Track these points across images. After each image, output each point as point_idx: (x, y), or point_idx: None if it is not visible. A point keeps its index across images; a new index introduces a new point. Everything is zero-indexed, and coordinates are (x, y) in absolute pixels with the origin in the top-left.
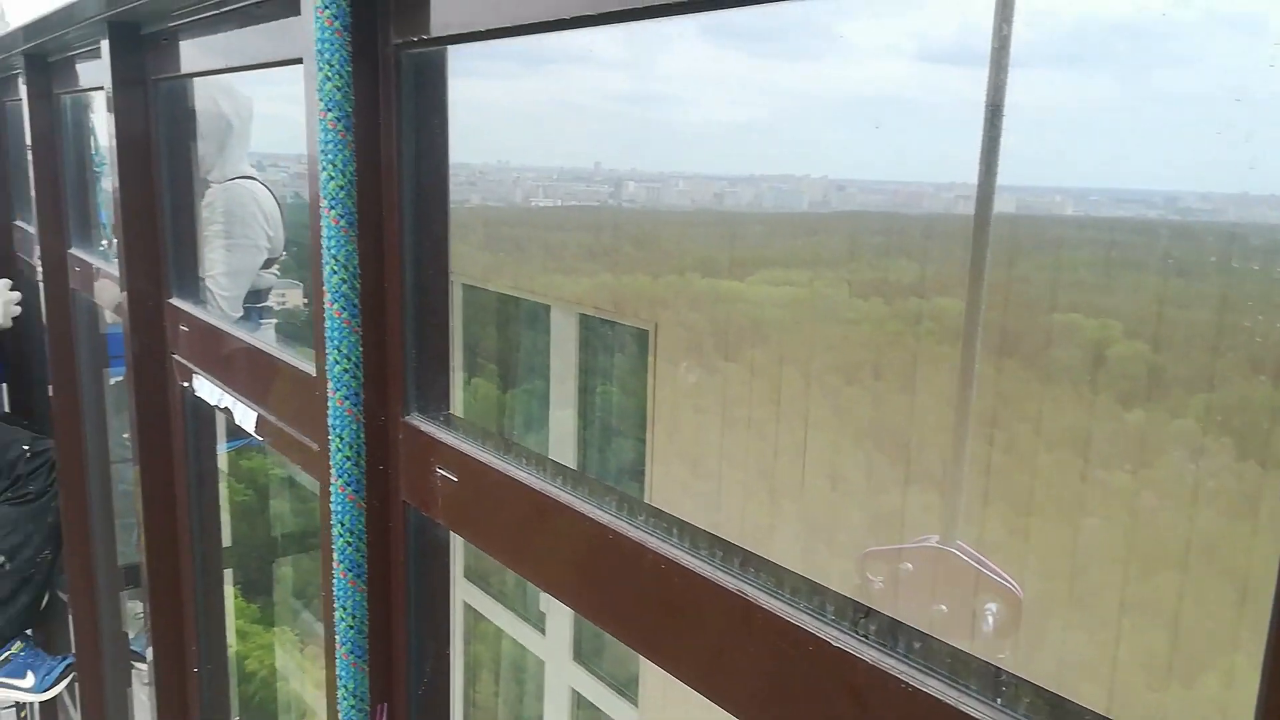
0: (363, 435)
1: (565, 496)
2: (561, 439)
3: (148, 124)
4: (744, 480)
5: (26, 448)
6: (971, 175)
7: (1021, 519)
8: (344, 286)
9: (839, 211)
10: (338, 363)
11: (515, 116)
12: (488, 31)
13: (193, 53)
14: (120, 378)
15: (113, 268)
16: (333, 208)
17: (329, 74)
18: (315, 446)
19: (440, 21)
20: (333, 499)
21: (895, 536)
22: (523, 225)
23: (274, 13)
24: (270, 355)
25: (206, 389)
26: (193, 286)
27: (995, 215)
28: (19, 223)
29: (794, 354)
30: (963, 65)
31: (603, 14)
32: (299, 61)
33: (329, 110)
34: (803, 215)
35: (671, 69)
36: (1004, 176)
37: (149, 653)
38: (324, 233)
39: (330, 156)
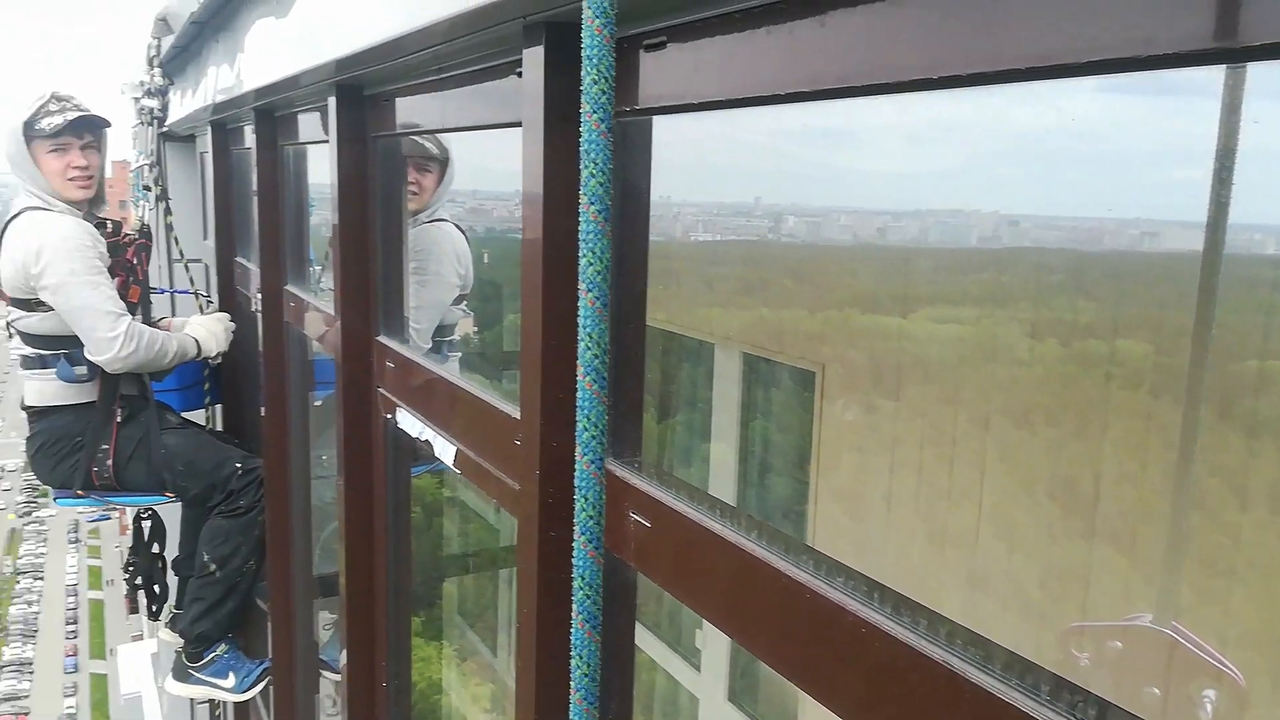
0: (593, 485)
1: (760, 551)
2: (719, 474)
3: (365, 175)
4: (908, 525)
5: (239, 465)
6: (1155, 211)
7: (1239, 595)
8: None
9: (1012, 248)
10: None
11: (678, 151)
12: (699, 104)
13: (411, 112)
14: (320, 401)
15: (322, 303)
16: (590, 290)
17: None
18: (516, 486)
19: (653, 94)
20: (575, 555)
21: (1075, 595)
22: (681, 259)
23: (493, 78)
24: (473, 395)
25: (409, 422)
26: (399, 326)
27: (1184, 252)
28: (239, 259)
29: (963, 396)
30: (1144, 96)
31: (819, 90)
32: (516, 125)
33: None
34: (973, 251)
35: (838, 104)
36: (1194, 213)
37: (342, 661)
38: (581, 313)
39: (590, 244)
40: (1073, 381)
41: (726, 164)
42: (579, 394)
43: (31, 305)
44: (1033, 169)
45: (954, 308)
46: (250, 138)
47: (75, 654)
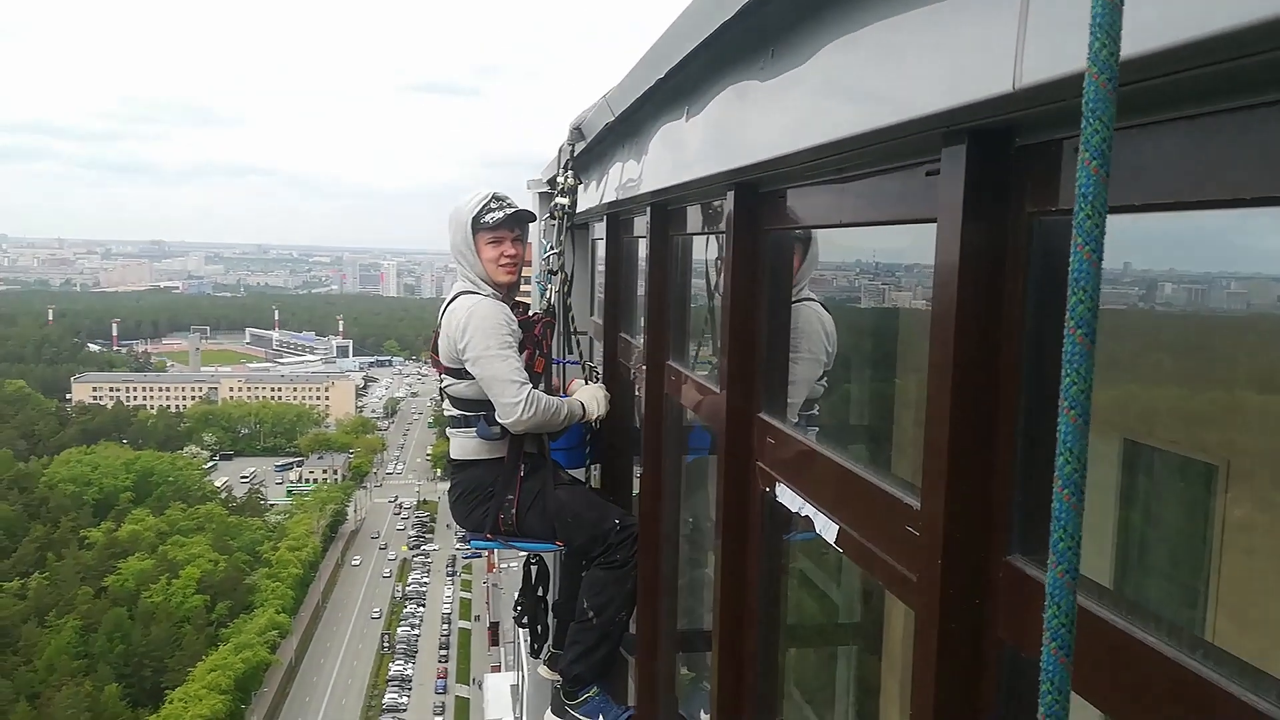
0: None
1: (1222, 680)
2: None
3: (755, 264)
4: None
5: (618, 521)
6: None
7: None
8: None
9: None
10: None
11: None
12: (1129, 206)
13: (807, 207)
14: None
15: (702, 377)
16: (1073, 407)
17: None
18: (912, 577)
19: (1074, 193)
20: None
21: None
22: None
23: (899, 175)
24: (863, 478)
25: (789, 497)
26: (780, 404)
27: None
28: (623, 334)
29: None
30: None
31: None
32: (924, 221)
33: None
34: None
35: None
36: None
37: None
38: (1062, 429)
39: (1075, 364)
40: None
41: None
42: (1055, 505)
43: (459, 374)
44: None
45: None
46: (639, 227)
47: (445, 676)
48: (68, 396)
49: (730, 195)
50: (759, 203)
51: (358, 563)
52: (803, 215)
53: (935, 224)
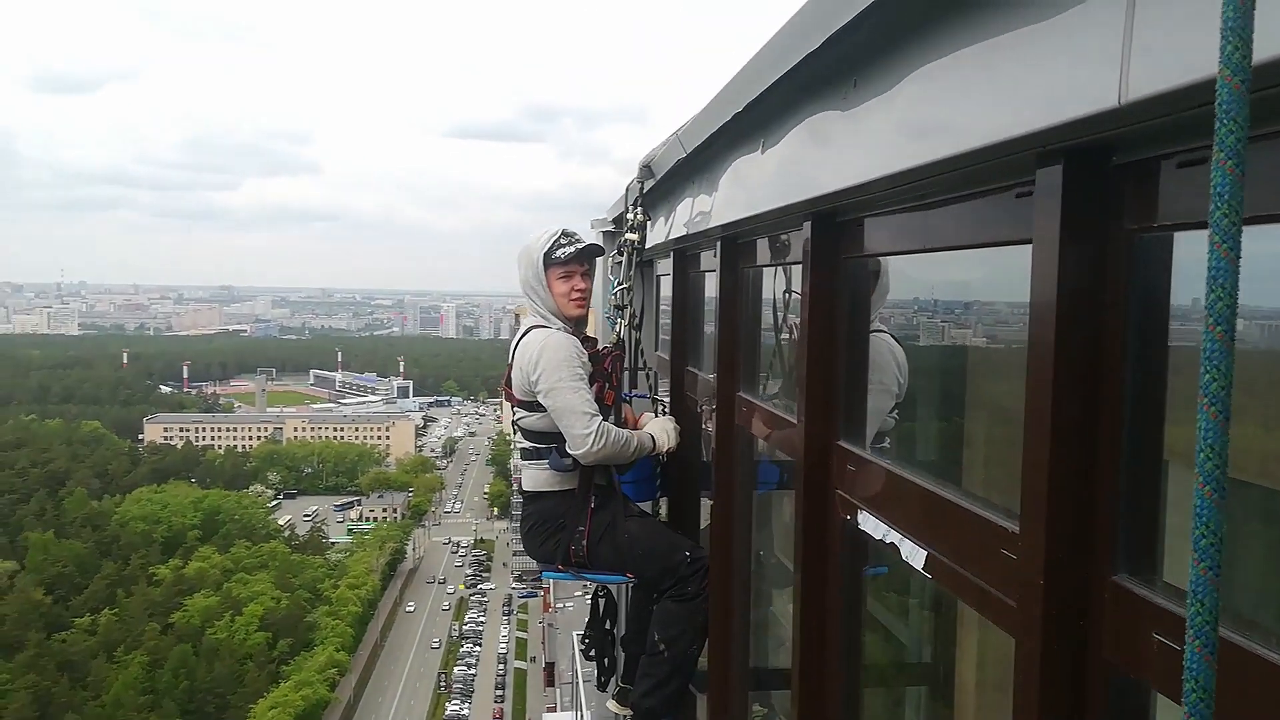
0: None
1: None
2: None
3: (834, 294)
4: None
5: (688, 554)
6: None
7: None
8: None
9: None
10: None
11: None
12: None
13: (887, 234)
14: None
15: (773, 407)
16: (1213, 404)
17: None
18: (1011, 603)
19: (1174, 209)
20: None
21: None
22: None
23: (988, 198)
24: (956, 503)
25: (872, 524)
26: (859, 432)
27: None
28: (690, 368)
29: None
30: None
31: None
32: (1016, 243)
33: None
34: None
35: None
36: None
37: None
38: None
39: (1215, 359)
40: None
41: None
42: (1197, 503)
43: (531, 406)
44: None
45: None
46: (707, 262)
47: (501, 716)
48: (140, 437)
49: (807, 225)
50: (836, 232)
51: (411, 609)
52: (882, 243)
53: (1028, 246)
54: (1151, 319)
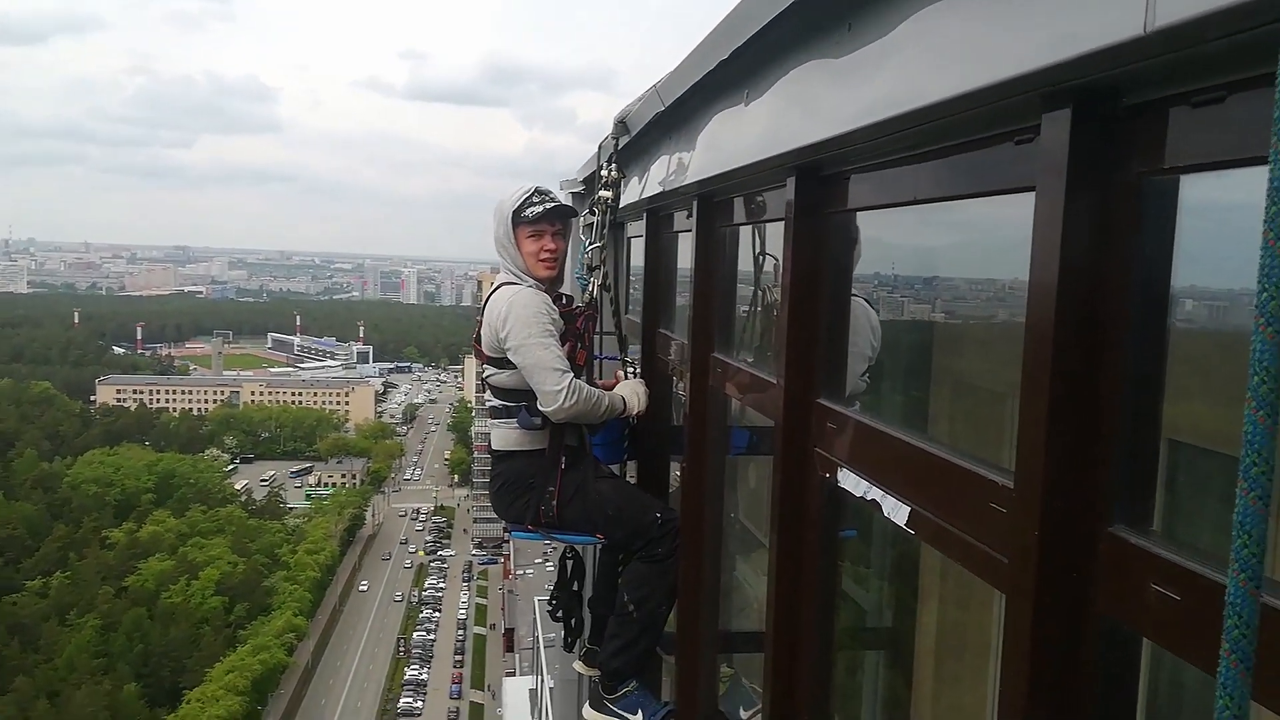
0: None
1: None
2: None
3: (817, 250)
4: None
5: (659, 515)
6: None
7: None
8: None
9: None
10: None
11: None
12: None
13: (874, 187)
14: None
15: (750, 366)
16: (1260, 407)
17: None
18: (1003, 559)
19: (1188, 152)
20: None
21: None
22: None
23: (983, 146)
24: (941, 458)
25: (852, 481)
26: (839, 389)
27: None
28: (661, 330)
29: None
30: None
31: None
32: (1017, 191)
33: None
34: None
35: None
36: None
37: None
38: (1248, 427)
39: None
40: None
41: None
42: (1239, 510)
43: (501, 363)
44: None
45: None
46: (680, 221)
47: (460, 681)
48: (92, 398)
49: (790, 181)
50: (821, 187)
51: (365, 588)
52: (871, 197)
53: (1028, 194)
54: (1156, 266)
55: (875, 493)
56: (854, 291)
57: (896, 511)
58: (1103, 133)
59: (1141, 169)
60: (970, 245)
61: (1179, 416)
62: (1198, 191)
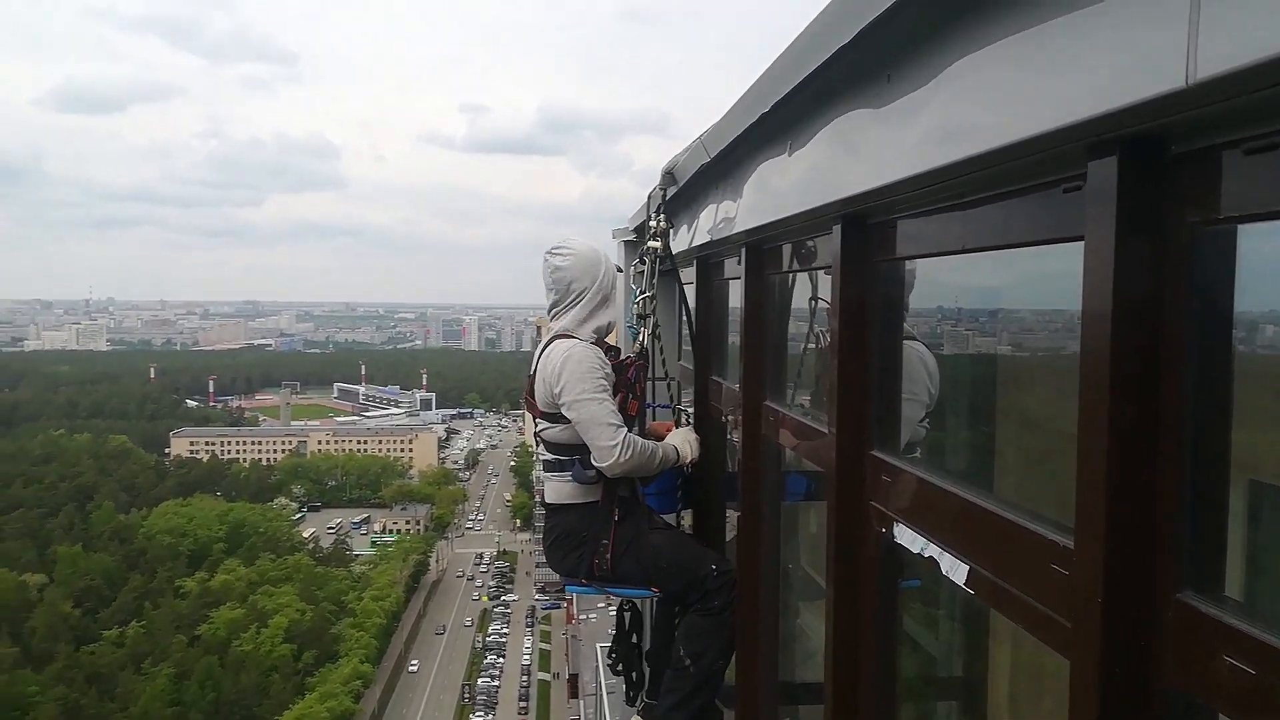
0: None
1: None
2: None
3: (865, 299)
4: None
5: (714, 567)
6: None
7: None
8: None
9: None
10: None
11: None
12: None
13: (921, 236)
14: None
15: (798, 416)
16: None
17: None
18: (1066, 623)
19: (1241, 201)
20: None
21: None
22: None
23: (1031, 195)
24: (999, 515)
25: (909, 537)
26: (893, 440)
27: None
28: (714, 377)
29: None
30: None
31: None
32: (1069, 240)
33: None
34: None
35: None
36: None
37: None
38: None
39: None
40: None
41: None
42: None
43: (554, 418)
44: None
45: None
46: (729, 269)
47: None
48: (167, 451)
49: (836, 229)
50: (868, 235)
51: (415, 669)
52: (918, 245)
53: (1077, 244)
54: (1215, 319)
55: (933, 549)
56: (908, 334)
57: (955, 570)
58: (1151, 181)
59: (1194, 218)
60: (1027, 283)
61: (1258, 459)
62: (1254, 239)
